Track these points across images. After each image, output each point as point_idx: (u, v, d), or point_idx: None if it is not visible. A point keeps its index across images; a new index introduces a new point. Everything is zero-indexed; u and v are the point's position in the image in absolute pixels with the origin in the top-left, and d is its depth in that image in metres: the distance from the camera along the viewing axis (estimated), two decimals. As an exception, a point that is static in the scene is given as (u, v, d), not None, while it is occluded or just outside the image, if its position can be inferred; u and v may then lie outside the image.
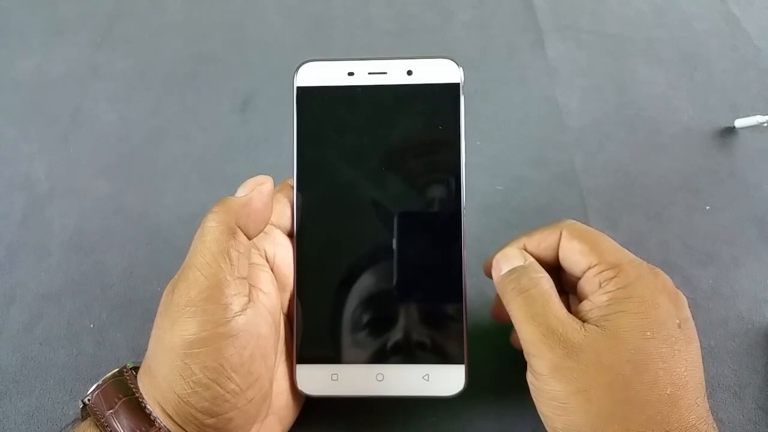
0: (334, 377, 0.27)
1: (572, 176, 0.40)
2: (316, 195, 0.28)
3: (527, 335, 0.24)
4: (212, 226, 0.24)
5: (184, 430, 0.23)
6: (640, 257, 0.25)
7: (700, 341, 0.24)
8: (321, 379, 0.27)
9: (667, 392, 0.22)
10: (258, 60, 0.47)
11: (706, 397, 0.23)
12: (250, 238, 0.26)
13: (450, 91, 0.27)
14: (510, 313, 0.26)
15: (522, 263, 0.27)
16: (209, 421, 0.23)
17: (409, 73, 0.28)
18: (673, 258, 0.37)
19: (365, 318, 0.27)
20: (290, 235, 0.28)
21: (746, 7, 0.51)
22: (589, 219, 0.38)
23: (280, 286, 0.27)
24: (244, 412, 0.24)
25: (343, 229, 0.28)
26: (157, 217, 0.39)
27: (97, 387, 0.24)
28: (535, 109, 0.44)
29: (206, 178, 0.40)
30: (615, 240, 0.26)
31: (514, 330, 0.26)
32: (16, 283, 0.36)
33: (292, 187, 0.28)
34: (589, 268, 0.25)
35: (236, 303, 0.23)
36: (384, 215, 0.28)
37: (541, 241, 0.27)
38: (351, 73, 0.28)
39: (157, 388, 0.23)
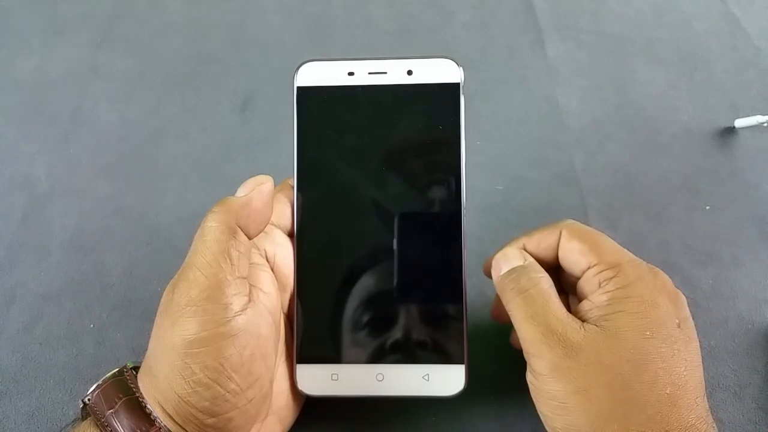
0: (334, 377, 0.27)
1: (572, 176, 0.40)
2: (316, 195, 0.28)
3: (527, 335, 0.24)
4: (212, 226, 0.24)
5: (185, 429, 0.23)
6: (640, 257, 0.25)
7: (699, 341, 0.24)
8: (321, 379, 0.27)
9: (667, 392, 0.22)
10: (258, 60, 0.47)
11: (705, 397, 0.23)
12: (250, 238, 0.26)
13: (450, 91, 0.27)
14: (510, 313, 0.26)
15: (522, 263, 0.27)
16: (209, 420, 0.23)
17: (409, 73, 0.28)
18: (673, 258, 0.37)
19: (365, 318, 0.27)
20: (290, 234, 0.28)
21: (746, 7, 0.51)
22: (589, 219, 0.38)
23: (281, 286, 0.27)
24: (244, 412, 0.24)
25: (344, 229, 0.28)
26: (157, 217, 0.39)
27: (97, 387, 0.24)
28: (535, 109, 0.44)
29: (206, 178, 0.41)
30: (615, 240, 0.26)
31: (514, 330, 0.26)
32: (16, 283, 0.36)
33: (293, 187, 0.28)
34: (589, 268, 0.25)
35: (236, 303, 0.23)
36: (384, 215, 0.28)
37: (541, 241, 0.27)
38: (351, 73, 0.28)
39: (158, 387, 0.23)
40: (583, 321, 0.24)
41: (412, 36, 0.49)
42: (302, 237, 0.28)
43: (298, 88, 0.28)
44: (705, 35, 0.48)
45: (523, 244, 0.27)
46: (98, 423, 0.23)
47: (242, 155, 0.42)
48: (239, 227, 0.25)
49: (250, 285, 0.25)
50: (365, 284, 0.27)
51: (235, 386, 0.23)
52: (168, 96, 0.45)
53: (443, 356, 0.27)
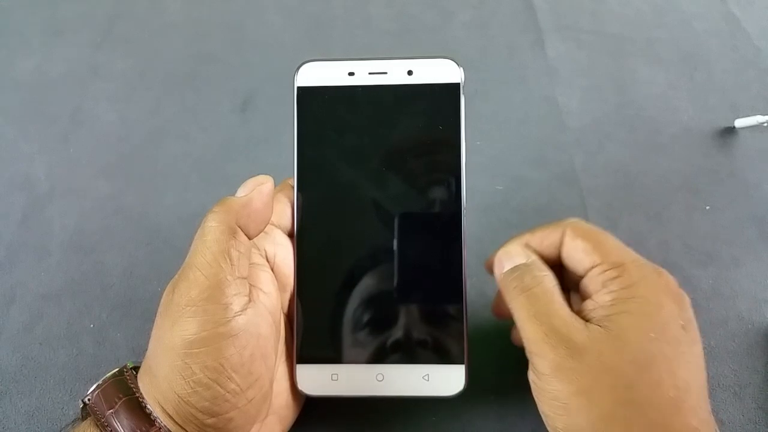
0: (334, 377, 0.27)
1: (572, 176, 0.40)
2: (316, 195, 0.28)
3: (530, 334, 0.24)
4: (213, 226, 0.24)
5: (185, 429, 0.23)
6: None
7: (700, 341, 0.24)
8: (321, 379, 0.27)
9: (671, 395, 0.22)
10: (258, 60, 0.47)
11: (708, 400, 0.23)
12: (250, 238, 0.26)
13: (450, 91, 0.27)
14: (512, 311, 0.26)
15: (525, 261, 0.26)
16: (209, 420, 0.23)
17: (410, 73, 0.28)
18: (673, 258, 0.37)
19: (365, 318, 0.27)
20: (290, 235, 0.28)
21: (746, 7, 0.51)
22: (589, 219, 0.38)
23: (281, 286, 0.27)
24: (244, 412, 0.24)
25: (344, 229, 0.28)
26: (157, 217, 0.39)
27: (97, 387, 0.24)
28: (535, 109, 0.44)
29: (206, 178, 0.40)
30: (615, 240, 0.26)
31: (515, 327, 0.25)
32: (16, 283, 0.36)
33: (293, 187, 0.28)
34: (593, 267, 0.25)
35: (236, 303, 0.23)
36: (384, 215, 0.27)
37: (544, 239, 0.27)
38: (351, 73, 0.28)
39: (158, 387, 0.23)
40: (587, 320, 0.24)
41: (412, 36, 0.49)
42: (302, 237, 0.28)
43: (299, 88, 0.28)
44: (705, 35, 0.48)
45: (526, 241, 0.27)
46: (98, 423, 0.23)
47: (242, 155, 0.42)
48: (239, 227, 0.25)
49: (250, 285, 0.25)
50: (365, 284, 0.27)
51: (235, 386, 0.23)
52: (168, 96, 0.45)
53: (443, 356, 0.27)
